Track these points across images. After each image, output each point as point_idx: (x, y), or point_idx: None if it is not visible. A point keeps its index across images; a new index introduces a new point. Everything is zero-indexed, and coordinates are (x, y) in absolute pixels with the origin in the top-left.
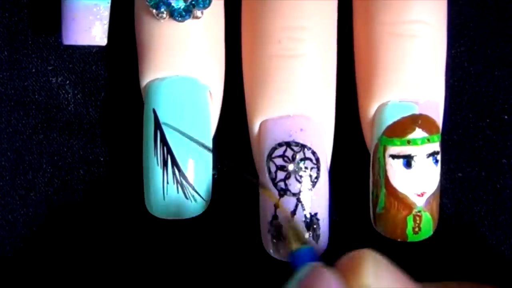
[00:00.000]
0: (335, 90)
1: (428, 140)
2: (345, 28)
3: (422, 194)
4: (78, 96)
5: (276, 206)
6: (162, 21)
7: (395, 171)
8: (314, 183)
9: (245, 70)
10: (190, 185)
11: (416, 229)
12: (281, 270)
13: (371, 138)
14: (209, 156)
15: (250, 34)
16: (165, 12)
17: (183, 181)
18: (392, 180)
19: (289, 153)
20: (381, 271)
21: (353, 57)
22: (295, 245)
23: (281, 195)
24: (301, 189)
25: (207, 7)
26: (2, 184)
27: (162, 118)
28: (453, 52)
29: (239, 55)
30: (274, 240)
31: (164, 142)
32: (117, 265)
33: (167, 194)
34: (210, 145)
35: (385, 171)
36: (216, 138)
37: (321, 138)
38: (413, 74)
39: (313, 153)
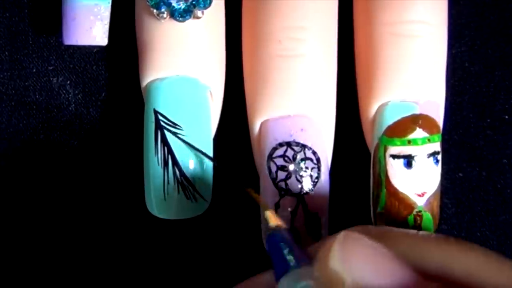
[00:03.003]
0: (336, 90)
1: (429, 140)
2: (346, 28)
3: (422, 194)
4: (79, 96)
5: (266, 214)
6: (162, 21)
7: (395, 171)
8: (314, 183)
9: (246, 70)
10: (191, 185)
11: (417, 229)
12: None
13: (372, 138)
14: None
15: (251, 34)
16: (165, 12)
17: (184, 181)
18: (392, 180)
19: (289, 153)
20: (354, 254)
21: (353, 57)
22: (272, 225)
23: (281, 195)
24: (302, 189)
25: (207, 7)
26: (3, 184)
27: (163, 119)
28: (453, 52)
29: (240, 55)
30: None
31: (165, 142)
32: (117, 265)
33: (167, 194)
34: (211, 150)
35: (386, 171)
36: (216, 138)
37: (321, 138)
38: (414, 74)
39: (314, 153)
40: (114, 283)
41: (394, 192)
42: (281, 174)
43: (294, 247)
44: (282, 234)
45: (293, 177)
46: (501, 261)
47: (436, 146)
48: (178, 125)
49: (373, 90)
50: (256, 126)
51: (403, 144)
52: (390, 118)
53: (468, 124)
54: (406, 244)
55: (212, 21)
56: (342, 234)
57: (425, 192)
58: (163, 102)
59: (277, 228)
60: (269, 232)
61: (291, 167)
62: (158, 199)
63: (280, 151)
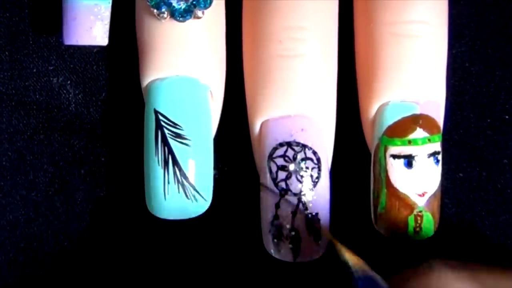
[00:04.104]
0: (336, 90)
1: (429, 140)
2: (346, 28)
3: (423, 194)
4: (79, 96)
5: (346, 256)
6: (163, 21)
7: (396, 171)
8: (315, 183)
9: (246, 70)
10: (191, 185)
11: (417, 229)
12: (282, 270)
13: (372, 138)
14: (210, 156)
15: (251, 34)
16: (166, 12)
17: (184, 181)
18: (393, 180)
19: (290, 153)
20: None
21: (354, 57)
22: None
23: (282, 195)
24: (302, 189)
25: (208, 7)
26: (3, 184)
27: (163, 119)
28: (454, 52)
29: (240, 55)
30: (275, 240)
31: (165, 142)
32: (118, 265)
33: (168, 194)
34: (211, 150)
35: (386, 171)
36: (217, 138)
37: (322, 138)
38: (414, 74)
39: (314, 153)
40: (114, 283)
41: (394, 192)
42: (282, 174)
43: None
44: (374, 280)
45: (293, 177)
46: None
47: (437, 146)
48: (179, 125)
49: (373, 90)
50: (256, 126)
51: (403, 144)
52: (390, 118)
53: (469, 124)
54: (490, 279)
55: (212, 21)
56: (435, 270)
57: (425, 192)
58: (164, 102)
59: (361, 269)
60: (355, 275)
61: (292, 167)
62: (159, 199)
63: (280, 151)
